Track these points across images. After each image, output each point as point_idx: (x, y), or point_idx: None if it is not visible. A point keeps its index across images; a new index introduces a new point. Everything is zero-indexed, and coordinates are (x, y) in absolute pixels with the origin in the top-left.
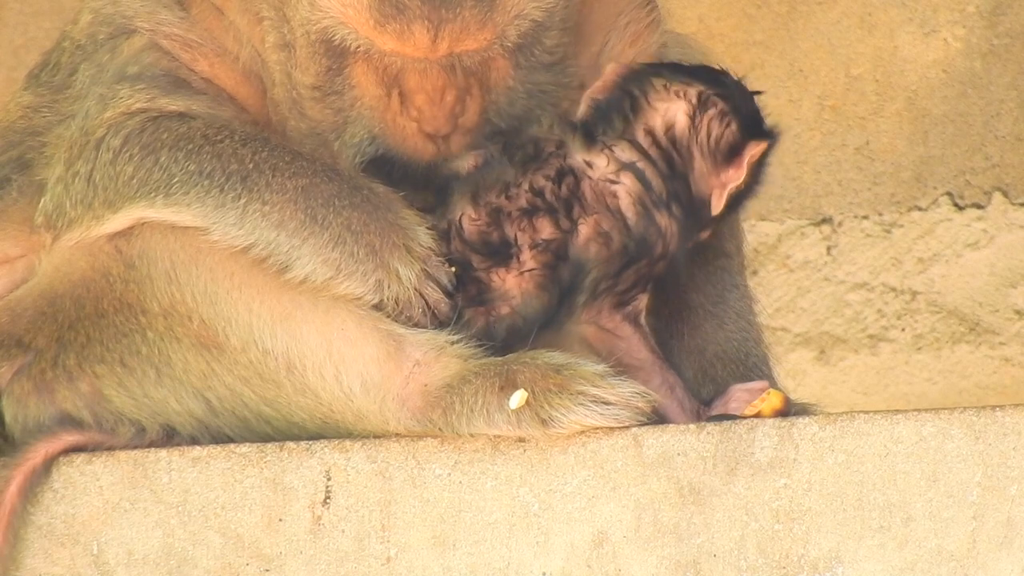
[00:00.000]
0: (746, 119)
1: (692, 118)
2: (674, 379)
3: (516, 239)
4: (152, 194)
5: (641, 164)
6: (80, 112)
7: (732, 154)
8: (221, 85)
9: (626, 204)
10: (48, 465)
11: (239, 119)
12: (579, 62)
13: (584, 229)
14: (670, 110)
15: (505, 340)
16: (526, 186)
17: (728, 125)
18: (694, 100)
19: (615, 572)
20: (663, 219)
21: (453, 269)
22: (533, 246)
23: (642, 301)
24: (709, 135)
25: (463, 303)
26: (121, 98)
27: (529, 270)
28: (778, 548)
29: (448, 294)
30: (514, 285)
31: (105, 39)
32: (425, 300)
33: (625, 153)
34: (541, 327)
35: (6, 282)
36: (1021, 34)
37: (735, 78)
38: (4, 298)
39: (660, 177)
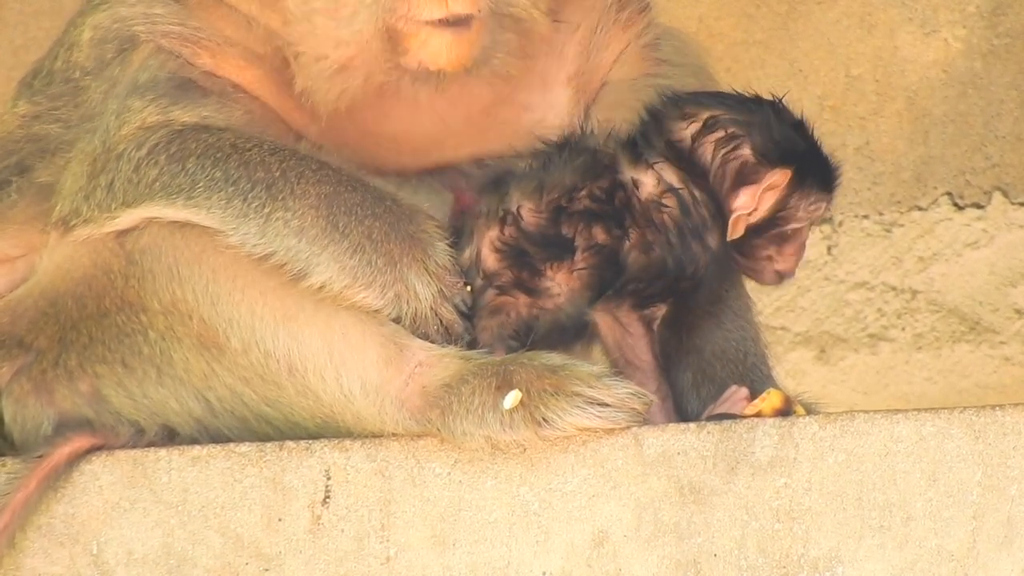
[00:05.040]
0: (763, 146)
1: (695, 141)
2: (667, 391)
3: (573, 239)
4: (174, 195)
5: (681, 188)
6: (100, 128)
7: (742, 181)
8: (225, 76)
9: (669, 224)
10: (70, 465)
11: (247, 110)
12: (573, 39)
13: (632, 238)
14: (682, 133)
15: (545, 335)
16: (585, 193)
17: (735, 150)
18: (700, 124)
19: (615, 571)
20: (697, 247)
21: (468, 288)
22: (587, 248)
23: (660, 310)
24: (714, 159)
25: (510, 287)
26: (135, 111)
27: (579, 269)
28: (778, 547)
29: (462, 315)
30: (563, 280)
31: (113, 56)
32: (440, 319)
33: (667, 173)
34: (578, 327)
35: (6, 282)
36: (1021, 34)
37: (768, 104)
38: (4, 298)
39: (696, 203)
